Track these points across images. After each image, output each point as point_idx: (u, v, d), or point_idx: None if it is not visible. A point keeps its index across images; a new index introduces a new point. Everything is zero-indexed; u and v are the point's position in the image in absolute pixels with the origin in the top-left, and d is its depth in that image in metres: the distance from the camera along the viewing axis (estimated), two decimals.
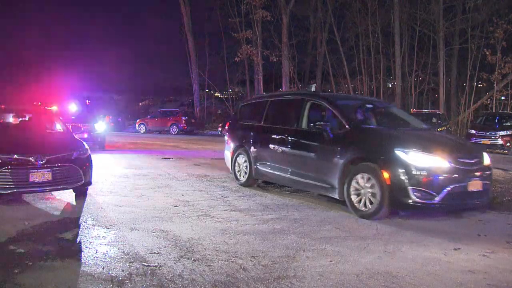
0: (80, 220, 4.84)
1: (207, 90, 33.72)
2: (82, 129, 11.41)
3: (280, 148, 6.42)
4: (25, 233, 4.29)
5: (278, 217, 5.14)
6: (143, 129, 25.02)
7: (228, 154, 7.85)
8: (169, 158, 11.10)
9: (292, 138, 6.23)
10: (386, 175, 4.87)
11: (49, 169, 5.28)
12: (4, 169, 5.04)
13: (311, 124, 6.08)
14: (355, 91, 23.98)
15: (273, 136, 6.63)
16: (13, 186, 5.11)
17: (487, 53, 18.89)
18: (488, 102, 21.58)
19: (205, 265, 3.50)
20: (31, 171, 5.17)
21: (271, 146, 6.61)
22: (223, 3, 26.40)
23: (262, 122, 7.14)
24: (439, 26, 20.03)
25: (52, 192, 5.98)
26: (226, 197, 6.29)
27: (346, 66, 23.51)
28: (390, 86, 27.55)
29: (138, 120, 26.07)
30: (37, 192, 5.59)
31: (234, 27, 25.48)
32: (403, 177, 4.79)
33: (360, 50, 23.19)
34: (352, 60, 24.06)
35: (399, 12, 20.82)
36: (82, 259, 3.59)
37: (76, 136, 6.91)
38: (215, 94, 36.44)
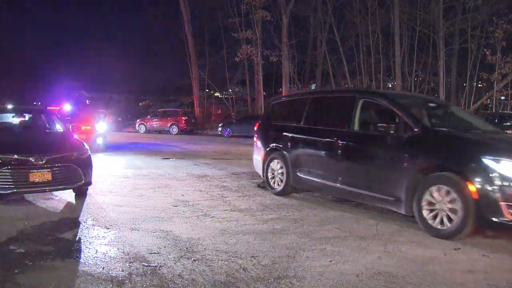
0: (80, 220, 4.84)
1: (207, 90, 33.75)
2: (82, 129, 11.41)
3: (327, 153, 5.68)
4: (25, 233, 4.29)
5: (278, 217, 5.13)
6: (143, 129, 25.05)
7: (258, 159, 7.01)
8: (169, 158, 11.10)
9: (343, 142, 5.43)
10: (472, 188, 4.12)
11: (49, 169, 5.28)
12: (4, 169, 5.04)
13: (371, 126, 5.31)
14: None
15: (318, 139, 5.88)
16: (13, 186, 5.11)
17: (487, 53, 18.89)
18: (488, 102, 21.60)
19: (205, 265, 3.50)
20: (31, 171, 5.16)
21: (316, 150, 5.90)
22: (223, 3, 26.43)
23: (302, 123, 6.26)
24: (439, 26, 20.01)
25: (52, 192, 5.97)
26: (226, 197, 6.29)
27: (346, 66, 23.52)
28: (390, 86, 27.56)
29: (138, 120, 26.11)
30: (37, 192, 5.59)
31: (234, 27, 25.52)
32: (494, 191, 4.04)
33: (360, 50, 23.20)
34: (352, 60, 24.08)
35: (399, 12, 20.81)
36: (82, 259, 3.59)
37: (76, 136, 6.91)
38: (215, 94, 36.47)
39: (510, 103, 20.58)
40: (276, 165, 6.54)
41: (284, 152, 6.36)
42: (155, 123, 25.03)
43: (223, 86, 32.76)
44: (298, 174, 6.11)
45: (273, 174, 6.59)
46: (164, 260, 3.60)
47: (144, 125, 25.17)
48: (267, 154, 6.76)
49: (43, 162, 5.25)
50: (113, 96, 38.41)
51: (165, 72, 36.05)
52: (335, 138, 5.53)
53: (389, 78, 26.76)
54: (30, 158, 5.22)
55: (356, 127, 5.42)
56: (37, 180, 5.19)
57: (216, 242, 4.11)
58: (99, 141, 12.18)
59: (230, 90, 33.37)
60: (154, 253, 3.76)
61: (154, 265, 3.48)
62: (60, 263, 3.51)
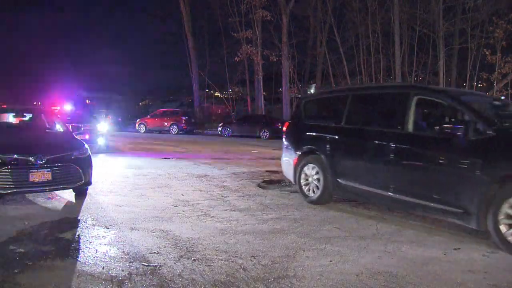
0: (80, 220, 4.84)
1: (207, 90, 33.77)
2: (82, 129, 11.40)
3: (376, 157, 5.06)
4: (25, 233, 4.29)
5: (278, 217, 5.13)
6: (143, 129, 25.04)
7: (289, 162, 6.38)
8: (169, 158, 11.10)
9: (397, 145, 4.80)
10: None
11: (49, 169, 5.28)
12: (4, 169, 5.04)
13: (431, 127, 4.77)
14: None
15: (363, 141, 5.28)
16: (13, 186, 5.10)
17: (487, 53, 18.89)
18: None
19: (205, 265, 3.50)
20: (31, 171, 5.16)
21: (361, 154, 5.28)
22: (223, 3, 26.44)
23: (343, 123, 5.65)
24: (439, 26, 20.01)
25: (52, 192, 5.97)
26: (226, 196, 6.29)
27: (346, 66, 23.53)
28: None
29: (138, 120, 26.09)
30: (37, 192, 5.59)
31: (234, 27, 25.54)
32: None
33: (360, 50, 23.20)
34: (352, 60, 24.07)
35: (399, 12, 20.82)
36: (82, 259, 3.59)
37: (76, 136, 6.91)
38: (215, 94, 36.47)
39: None
40: (311, 170, 5.91)
41: (322, 156, 5.74)
42: (155, 123, 25.02)
43: (223, 86, 32.77)
44: (339, 180, 5.50)
45: (307, 180, 5.98)
46: (164, 260, 3.60)
47: (144, 125, 25.16)
48: (300, 158, 6.11)
49: (43, 162, 5.26)
50: (113, 96, 38.42)
51: (165, 72, 36.10)
52: (386, 141, 4.93)
53: (389, 78, 26.79)
54: (30, 158, 5.22)
55: (409, 128, 4.79)
56: (37, 180, 5.19)
57: (216, 242, 4.11)
58: (100, 141, 12.16)
59: (230, 90, 33.39)
60: (154, 253, 3.76)
61: (154, 265, 3.48)
62: (60, 263, 3.51)
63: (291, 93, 26.48)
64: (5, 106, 7.79)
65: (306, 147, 6.09)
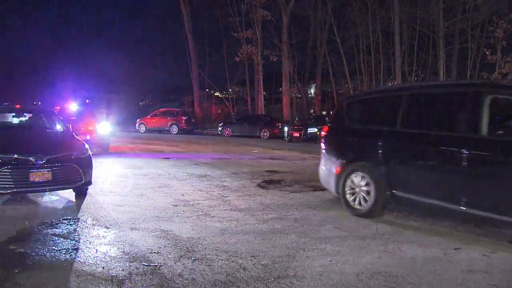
0: (80, 220, 4.84)
1: (207, 90, 33.79)
2: (82, 129, 11.38)
3: (442, 166, 4.50)
4: (25, 233, 4.30)
5: (278, 217, 5.13)
6: (143, 128, 25.03)
7: (330, 171, 5.73)
8: (169, 158, 11.10)
9: (470, 151, 4.19)
10: None
11: (49, 169, 5.28)
12: (4, 169, 5.04)
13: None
14: (355, 91, 24.02)
15: (426, 148, 4.67)
16: (13, 186, 5.10)
17: (487, 52, 18.90)
18: None
19: (205, 264, 3.50)
20: (31, 171, 5.16)
21: (423, 162, 4.73)
22: (223, 3, 26.47)
23: (397, 126, 5.00)
24: (439, 26, 20.03)
25: (53, 192, 5.97)
26: (226, 196, 6.29)
27: (346, 66, 23.57)
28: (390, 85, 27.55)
29: (138, 120, 26.07)
30: (37, 192, 5.59)
31: (234, 27, 25.58)
32: None
33: (360, 50, 23.24)
34: (352, 60, 24.11)
35: (399, 12, 20.84)
36: (82, 259, 3.59)
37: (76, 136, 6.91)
38: (215, 94, 36.50)
39: None
40: (359, 179, 5.24)
41: (372, 164, 5.14)
42: (155, 123, 25.01)
43: (223, 86, 32.80)
44: (395, 191, 4.88)
45: (353, 190, 5.30)
46: (164, 259, 3.60)
47: (144, 124, 25.14)
48: (344, 166, 5.45)
49: (43, 161, 5.25)
50: (113, 95, 38.39)
51: (165, 72, 36.12)
52: (455, 147, 4.34)
53: (389, 78, 26.80)
54: (30, 158, 5.22)
55: (484, 131, 4.19)
56: (37, 179, 5.19)
57: (216, 241, 4.11)
58: (101, 141, 12.11)
59: (230, 90, 33.41)
60: (154, 252, 3.76)
61: (154, 264, 3.48)
62: (60, 263, 3.51)
63: (291, 93, 26.50)
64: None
65: (352, 154, 5.50)
